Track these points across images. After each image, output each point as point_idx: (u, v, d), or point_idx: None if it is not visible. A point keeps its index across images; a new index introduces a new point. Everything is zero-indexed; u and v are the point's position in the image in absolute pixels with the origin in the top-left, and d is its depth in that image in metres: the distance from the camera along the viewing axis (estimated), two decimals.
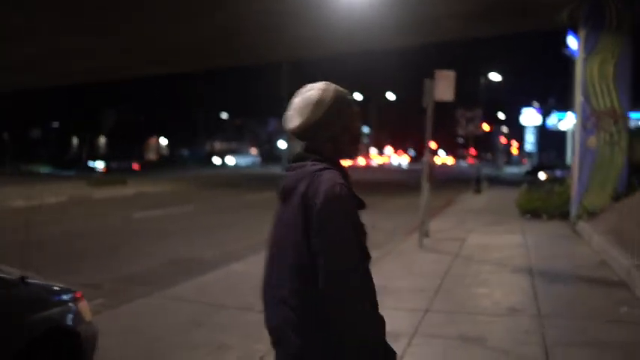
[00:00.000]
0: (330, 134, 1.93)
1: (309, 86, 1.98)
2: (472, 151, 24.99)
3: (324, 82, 1.99)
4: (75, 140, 59.10)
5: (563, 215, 12.93)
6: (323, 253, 1.74)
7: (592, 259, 8.39)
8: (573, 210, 12.04)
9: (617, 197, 11.29)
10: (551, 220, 13.07)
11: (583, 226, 10.91)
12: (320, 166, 1.86)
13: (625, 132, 11.66)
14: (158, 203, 17.64)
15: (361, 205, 1.88)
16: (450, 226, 12.36)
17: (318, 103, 1.91)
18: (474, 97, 25.09)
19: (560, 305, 5.86)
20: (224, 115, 74.62)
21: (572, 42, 14.50)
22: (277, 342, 1.89)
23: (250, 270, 7.29)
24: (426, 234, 10.62)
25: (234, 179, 33.19)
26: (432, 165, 10.69)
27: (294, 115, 1.94)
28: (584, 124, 11.87)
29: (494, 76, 25.11)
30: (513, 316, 5.51)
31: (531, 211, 13.87)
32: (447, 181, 36.26)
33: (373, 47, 21.01)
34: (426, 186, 10.05)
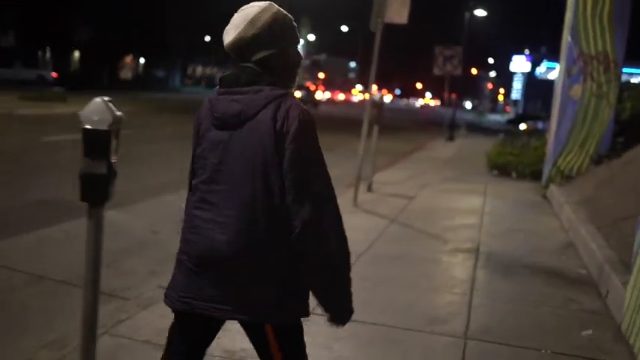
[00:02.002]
0: (263, 56, 1.84)
1: (251, 4, 1.90)
2: (447, 94, 23.02)
3: (267, 2, 1.90)
4: (47, 53, 55.88)
5: (535, 175, 11.25)
6: (304, 181, 1.74)
7: (558, 240, 6.72)
8: (546, 170, 10.34)
9: (598, 160, 9.58)
10: (520, 180, 11.40)
11: (554, 191, 9.23)
12: (282, 90, 1.82)
13: (616, 83, 9.82)
14: None
15: None
16: (403, 178, 10.63)
17: (254, 20, 1.84)
18: (458, 35, 22.93)
19: (498, 318, 4.16)
20: (207, 38, 71.58)
21: None
22: (230, 268, 1.79)
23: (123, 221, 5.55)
24: (369, 188, 8.91)
25: (198, 104, 30.92)
26: (378, 104, 8.82)
27: (229, 30, 1.88)
28: (568, 68, 10.00)
29: (480, 12, 22.91)
30: (432, 335, 3.81)
31: (500, 167, 12.17)
32: (427, 124, 34.51)
33: None
34: (367, 131, 8.17)
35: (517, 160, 12.16)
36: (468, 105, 73.84)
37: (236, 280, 1.79)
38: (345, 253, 1.81)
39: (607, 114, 9.79)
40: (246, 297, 1.80)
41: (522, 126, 27.93)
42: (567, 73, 9.98)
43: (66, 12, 45.50)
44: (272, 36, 1.83)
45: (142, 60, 63.06)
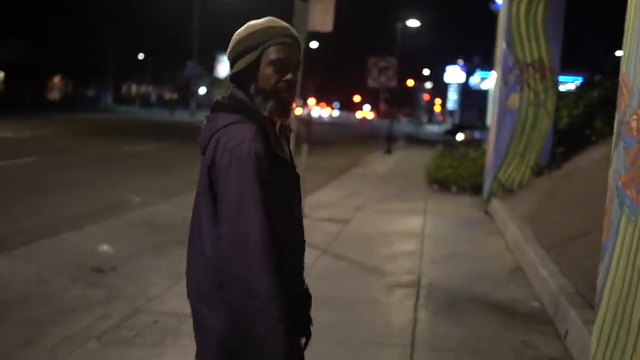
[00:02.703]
0: (242, 77, 1.71)
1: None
2: (381, 106, 22.66)
3: (266, 18, 1.75)
4: None
5: (476, 189, 10.78)
6: (224, 220, 1.59)
7: (504, 263, 6.13)
8: (487, 184, 9.85)
9: (538, 171, 9.16)
10: (461, 194, 10.89)
11: (497, 206, 8.72)
12: (231, 119, 1.66)
13: (553, 91, 9.46)
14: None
15: (282, 163, 1.69)
16: (338, 198, 9.92)
17: (235, 40, 1.73)
18: (391, 46, 22.63)
19: None
20: (140, 56, 69.65)
21: None
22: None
23: None
24: None
25: (128, 125, 29.61)
26: (306, 120, 8.10)
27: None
28: (505, 77, 9.57)
29: (412, 23, 22.68)
30: None
31: (440, 181, 11.66)
32: (365, 138, 34.18)
33: None
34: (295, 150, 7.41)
35: (456, 173, 11.68)
36: (404, 120, 74.49)
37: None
38: (258, 306, 1.52)
39: (545, 124, 9.40)
40: None
41: (460, 136, 27.92)
42: (504, 82, 9.55)
43: None
44: (246, 54, 1.70)
45: (71, 79, 60.69)
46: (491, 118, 10.55)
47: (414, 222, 8.20)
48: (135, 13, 52.42)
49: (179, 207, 8.94)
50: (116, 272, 5.58)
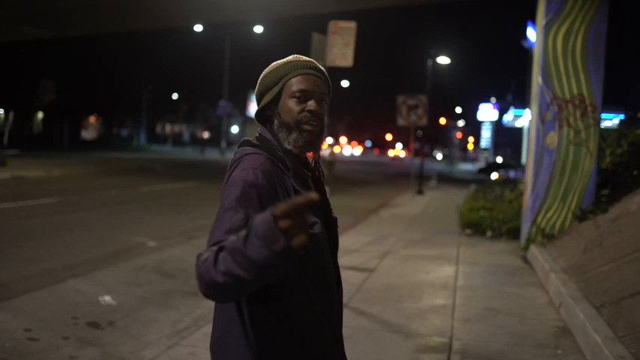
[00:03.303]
0: (267, 114, 1.72)
1: None
2: (414, 144, 22.06)
3: (291, 56, 1.76)
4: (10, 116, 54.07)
5: (513, 233, 10.04)
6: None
7: (549, 323, 5.42)
8: (525, 229, 9.13)
9: (581, 216, 8.42)
10: (496, 239, 10.16)
11: (536, 253, 7.99)
12: (248, 151, 1.65)
13: (596, 128, 8.78)
14: (20, 193, 14.12)
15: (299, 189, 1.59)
16: (363, 243, 9.31)
17: (260, 78, 1.74)
18: (422, 84, 22.17)
19: None
20: (175, 96, 70.80)
21: (532, 34, 11.57)
22: None
23: None
24: None
25: (157, 164, 29.54)
26: (328, 161, 7.57)
27: None
28: (542, 115, 8.94)
29: (443, 60, 22.17)
30: None
31: (474, 225, 10.95)
32: (396, 177, 33.54)
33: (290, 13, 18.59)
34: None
35: (491, 216, 10.96)
36: (439, 155, 73.54)
37: None
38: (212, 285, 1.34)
39: (588, 164, 8.70)
40: None
41: (494, 175, 27.05)
42: (541, 119, 8.92)
43: (30, 72, 44.25)
44: (267, 88, 1.71)
45: (105, 119, 61.75)
46: (527, 158, 9.88)
47: (446, 271, 7.53)
48: (168, 54, 53.44)
49: (195, 250, 8.47)
50: (114, 327, 5.07)
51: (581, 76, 8.72)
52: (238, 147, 1.71)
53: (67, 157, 31.20)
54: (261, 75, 1.72)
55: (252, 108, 74.64)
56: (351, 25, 6.13)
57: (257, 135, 1.71)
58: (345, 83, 59.47)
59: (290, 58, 1.71)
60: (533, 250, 8.22)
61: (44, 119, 53.87)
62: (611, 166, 9.21)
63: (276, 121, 1.67)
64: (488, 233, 10.46)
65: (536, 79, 9.24)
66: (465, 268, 7.70)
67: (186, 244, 8.89)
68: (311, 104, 1.63)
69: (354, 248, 8.76)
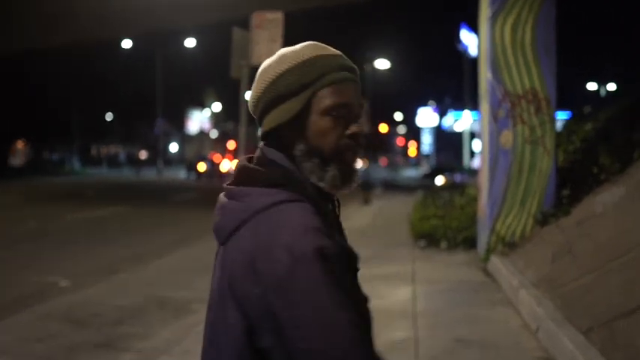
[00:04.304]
0: (282, 134, 1.21)
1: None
2: None
3: (307, 43, 1.25)
4: None
5: (470, 242, 9.31)
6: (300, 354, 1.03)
7: (528, 354, 4.60)
8: (483, 237, 8.39)
9: (543, 220, 7.73)
10: (453, 251, 9.40)
11: (499, 265, 7.24)
12: (273, 197, 1.13)
13: (551, 125, 8.15)
14: None
15: (353, 261, 1.19)
16: None
17: (264, 79, 1.22)
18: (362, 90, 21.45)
19: None
20: (109, 116, 68.22)
21: (466, 36, 10.98)
22: None
23: None
24: None
25: (88, 188, 27.74)
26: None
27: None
28: (494, 112, 8.25)
29: (382, 64, 21.59)
30: None
31: (427, 235, 10.18)
32: None
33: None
34: None
35: (444, 225, 10.22)
36: (380, 163, 73.58)
37: None
38: None
39: (546, 163, 8.04)
40: None
41: (439, 180, 26.64)
42: (493, 117, 8.23)
43: None
44: (297, 93, 1.18)
45: (35, 143, 58.89)
46: (481, 161, 9.19)
47: (403, 293, 6.66)
48: (99, 72, 51.32)
49: (115, 290, 7.35)
50: None
51: (533, 69, 8.08)
52: (236, 180, 1.20)
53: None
54: (267, 74, 1.21)
55: (191, 125, 73.07)
56: (277, 17, 5.22)
57: (259, 157, 1.22)
58: None
59: (315, 50, 1.21)
60: (495, 261, 7.47)
61: None
62: (567, 164, 8.64)
63: (300, 146, 1.19)
64: (443, 244, 9.70)
65: (485, 74, 8.57)
66: (423, 288, 6.85)
67: (105, 282, 7.73)
68: (356, 128, 1.20)
69: None
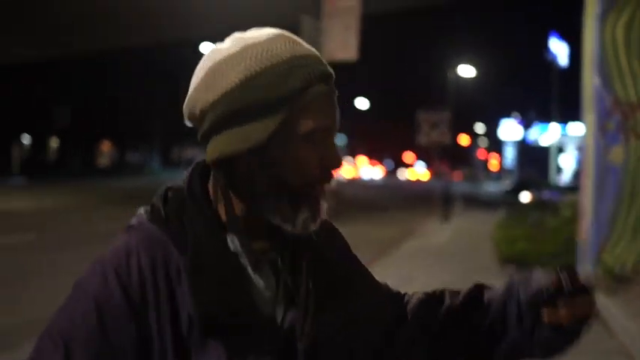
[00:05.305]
0: (252, 159, 0.93)
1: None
2: (439, 165, 20.16)
3: (270, 31, 0.95)
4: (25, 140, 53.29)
5: None
6: None
7: None
8: (584, 267, 7.26)
9: None
10: None
11: (607, 305, 6.12)
12: (134, 220, 0.97)
13: None
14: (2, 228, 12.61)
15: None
16: None
17: (229, 70, 0.91)
18: (442, 101, 20.35)
19: None
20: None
21: (555, 45, 9.85)
22: None
23: None
24: None
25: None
26: (335, 188, 5.84)
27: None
28: (602, 124, 7.14)
29: (466, 70, 20.38)
30: None
31: (516, 260, 9.09)
32: (419, 200, 31.63)
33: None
34: None
35: (535, 249, 9.12)
36: (459, 176, 71.30)
37: None
38: None
39: None
40: None
41: (524, 196, 24.98)
42: (601, 130, 7.12)
43: (42, 97, 43.79)
44: (237, 112, 0.92)
45: (119, 145, 61.15)
46: (583, 178, 8.05)
47: None
48: (182, 74, 52.61)
49: None
50: None
51: None
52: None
53: (77, 185, 29.99)
54: (239, 70, 0.89)
55: None
56: (352, 4, 4.46)
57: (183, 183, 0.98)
58: (363, 103, 57.87)
59: (293, 49, 0.91)
60: (603, 299, 6.35)
61: (60, 146, 53.38)
62: None
63: (263, 179, 0.91)
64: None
65: (590, 81, 7.46)
66: None
67: None
68: (334, 154, 0.94)
69: None
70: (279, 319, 0.94)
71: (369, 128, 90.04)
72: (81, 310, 0.87)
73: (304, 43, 0.95)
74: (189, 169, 1.00)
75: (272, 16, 16.11)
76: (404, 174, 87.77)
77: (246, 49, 0.91)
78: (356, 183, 60.01)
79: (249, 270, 0.93)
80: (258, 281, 0.93)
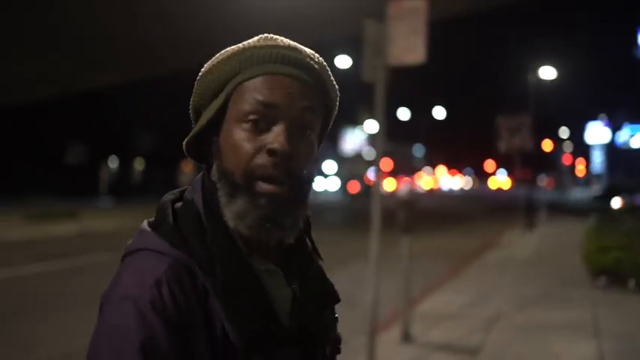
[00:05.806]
0: (206, 147, 0.97)
1: None
2: (520, 172, 19.29)
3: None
4: (112, 164, 56.03)
5: None
6: None
7: None
8: None
9: None
10: None
11: None
12: (140, 238, 0.95)
13: None
14: (82, 248, 13.02)
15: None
16: (463, 303, 7.11)
17: (197, 80, 0.99)
18: (524, 105, 19.47)
19: None
20: None
21: None
22: None
23: None
24: (405, 335, 5.58)
25: None
26: (407, 202, 5.58)
27: None
28: None
29: (547, 72, 19.41)
30: None
31: (608, 271, 8.44)
32: (500, 210, 30.52)
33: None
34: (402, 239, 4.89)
35: (631, 260, 8.40)
36: (542, 182, 68.41)
37: None
38: None
39: None
40: None
41: (615, 202, 23.48)
42: None
43: (126, 119, 45.94)
44: (202, 98, 0.98)
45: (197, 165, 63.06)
46: None
47: (584, 351, 5.22)
48: None
49: None
50: None
51: None
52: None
53: (151, 203, 30.87)
54: (199, 74, 0.96)
55: (345, 145, 73.53)
56: (418, 5, 4.21)
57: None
58: (440, 113, 56.85)
59: (251, 41, 0.93)
60: None
61: (145, 167, 55.64)
62: None
63: (215, 166, 0.92)
64: (631, 283, 7.93)
65: None
66: (612, 346, 5.33)
67: None
68: (276, 137, 0.86)
69: (448, 313, 6.60)
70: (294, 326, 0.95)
71: (447, 138, 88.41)
72: (128, 356, 0.82)
73: (282, 39, 0.93)
74: (198, 182, 0.97)
75: (332, 25, 16.01)
76: (485, 183, 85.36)
77: (222, 52, 0.96)
78: (435, 194, 58.81)
79: (272, 285, 0.92)
80: (280, 294, 0.92)
